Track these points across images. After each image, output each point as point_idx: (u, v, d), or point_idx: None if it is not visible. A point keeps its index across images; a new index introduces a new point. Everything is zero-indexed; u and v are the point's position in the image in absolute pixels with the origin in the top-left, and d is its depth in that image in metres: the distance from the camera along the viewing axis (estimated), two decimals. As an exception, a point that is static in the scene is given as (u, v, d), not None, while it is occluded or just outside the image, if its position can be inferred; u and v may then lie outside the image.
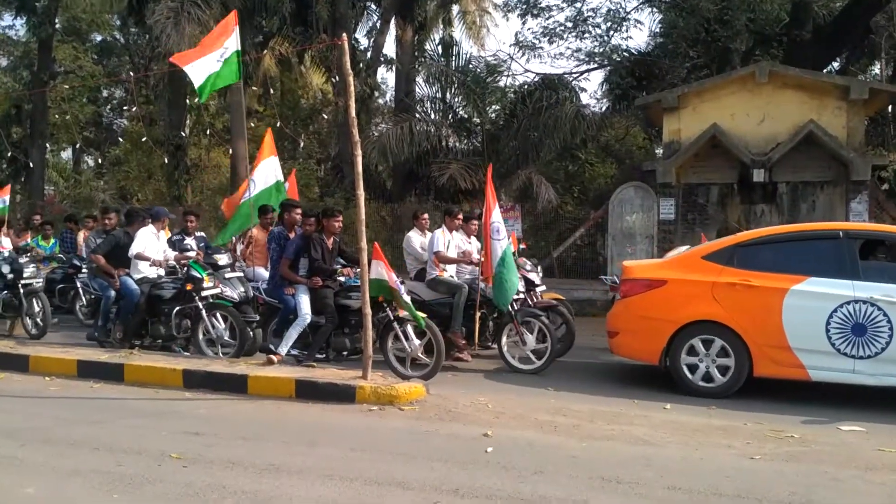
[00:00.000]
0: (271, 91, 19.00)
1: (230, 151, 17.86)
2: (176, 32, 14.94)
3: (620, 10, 20.51)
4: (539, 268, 8.84)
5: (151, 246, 7.84)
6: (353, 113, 6.35)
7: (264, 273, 8.23)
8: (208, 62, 7.34)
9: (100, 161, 29.13)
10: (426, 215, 8.93)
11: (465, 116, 18.40)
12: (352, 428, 5.20)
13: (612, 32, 20.48)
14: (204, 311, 7.39)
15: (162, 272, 8.05)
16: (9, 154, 23.08)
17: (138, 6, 18.01)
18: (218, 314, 7.44)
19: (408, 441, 4.86)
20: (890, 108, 17.06)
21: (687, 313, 6.47)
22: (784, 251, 6.46)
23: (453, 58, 19.65)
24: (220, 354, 7.37)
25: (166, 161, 18.60)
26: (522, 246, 10.22)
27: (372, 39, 22.09)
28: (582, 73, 21.05)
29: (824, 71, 16.46)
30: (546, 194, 14.65)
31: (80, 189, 26.18)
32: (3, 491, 3.87)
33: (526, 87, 18.53)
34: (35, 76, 23.67)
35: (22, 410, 5.73)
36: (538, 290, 8.41)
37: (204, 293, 7.39)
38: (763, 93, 12.63)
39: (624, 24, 20.55)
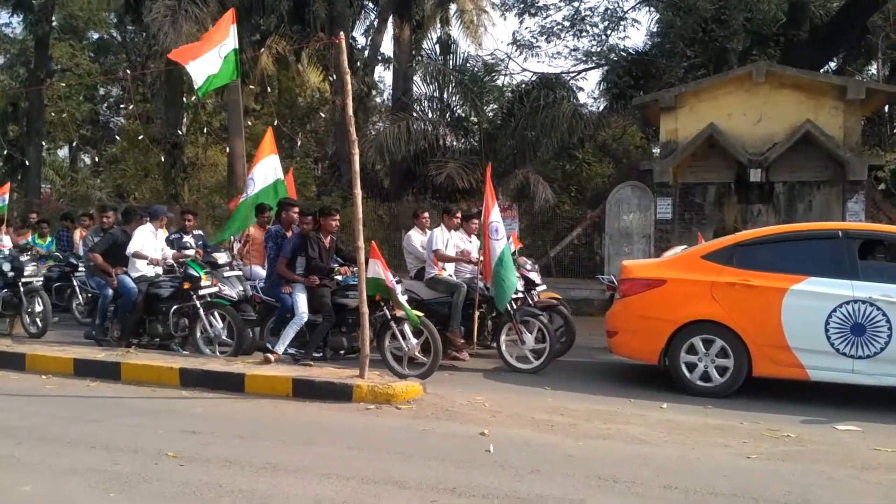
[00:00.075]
0: (268, 89, 18.95)
1: (227, 150, 17.84)
2: (173, 30, 14.95)
3: (618, 9, 20.59)
4: (536, 267, 8.83)
5: (149, 244, 7.83)
6: (350, 111, 6.35)
7: (261, 272, 8.21)
8: (209, 60, 7.28)
9: (96, 159, 29.02)
10: (427, 214, 8.90)
11: (463, 115, 18.38)
12: (349, 427, 5.20)
13: (609, 32, 20.51)
14: (202, 310, 7.38)
15: (160, 271, 8.04)
16: (5, 152, 22.98)
17: (135, 4, 17.95)
18: (216, 313, 7.43)
19: (405, 440, 4.86)
20: (886, 108, 17.14)
21: (686, 313, 6.47)
22: (783, 251, 6.45)
23: (451, 57, 19.68)
24: (218, 353, 7.36)
25: (163, 159, 18.58)
26: (520, 245, 10.20)
27: (369, 38, 22.11)
28: (579, 72, 21.12)
29: (821, 71, 16.46)
30: (543, 193, 14.65)
31: (77, 187, 26.16)
32: (0, 489, 3.87)
33: (523, 86, 18.46)
34: (31, 74, 23.58)
35: (18, 409, 5.73)
36: (538, 289, 8.39)
37: (202, 292, 7.39)
38: (760, 93, 12.63)
39: (621, 23, 20.62)
